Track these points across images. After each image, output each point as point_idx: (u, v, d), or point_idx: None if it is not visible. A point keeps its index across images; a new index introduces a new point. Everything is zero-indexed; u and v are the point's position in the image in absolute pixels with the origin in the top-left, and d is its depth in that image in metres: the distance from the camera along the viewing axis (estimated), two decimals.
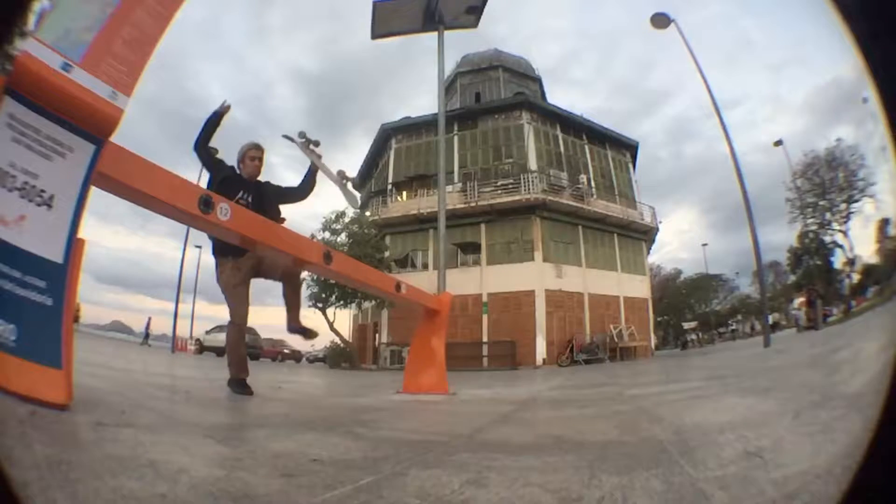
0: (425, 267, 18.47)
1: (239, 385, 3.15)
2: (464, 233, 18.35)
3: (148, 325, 19.16)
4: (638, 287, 19.91)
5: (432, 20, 6.74)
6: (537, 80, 24.64)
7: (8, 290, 1.33)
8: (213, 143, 3.12)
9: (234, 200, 2.76)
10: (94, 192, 1.62)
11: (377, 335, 18.93)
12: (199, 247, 21.94)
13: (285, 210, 3.37)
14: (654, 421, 1.93)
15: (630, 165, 22.29)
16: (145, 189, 1.84)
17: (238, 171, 3.27)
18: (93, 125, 1.53)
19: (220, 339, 17.45)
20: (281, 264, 3.19)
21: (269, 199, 3.24)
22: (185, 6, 1.83)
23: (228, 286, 3.13)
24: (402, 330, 15.50)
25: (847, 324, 8.91)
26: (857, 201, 12.93)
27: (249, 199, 3.11)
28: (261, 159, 3.29)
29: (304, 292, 15.87)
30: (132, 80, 1.61)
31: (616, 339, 17.09)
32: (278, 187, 3.42)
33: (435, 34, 6.77)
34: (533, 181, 18.06)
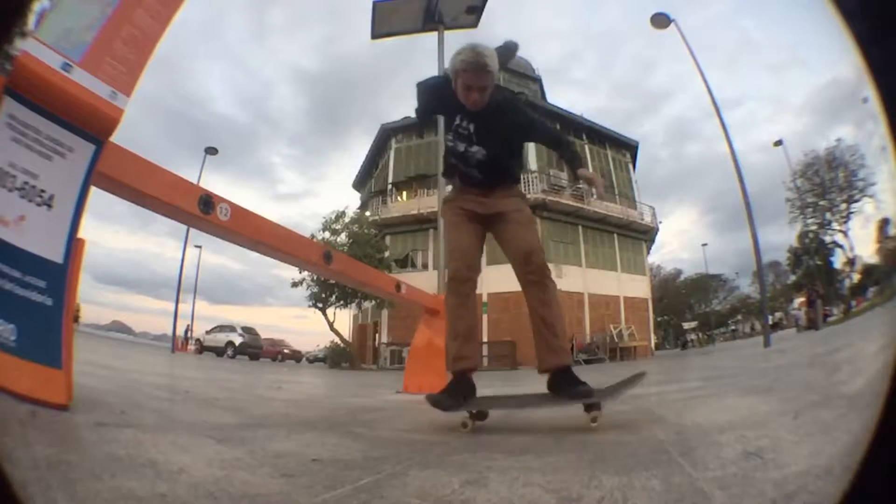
0: (425, 267, 18.46)
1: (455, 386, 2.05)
2: None
3: (186, 330, 18.93)
4: (638, 287, 19.91)
5: (432, 20, 6.73)
6: (537, 80, 24.61)
7: (8, 290, 1.33)
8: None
9: (454, 129, 2.14)
10: (94, 192, 1.62)
11: (377, 335, 18.93)
12: (199, 247, 22.02)
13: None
14: (654, 421, 1.93)
15: (630, 165, 22.29)
16: (145, 189, 1.84)
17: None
18: (93, 125, 1.54)
19: (220, 339, 17.46)
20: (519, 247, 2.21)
21: (506, 137, 2.16)
22: (185, 6, 1.84)
23: (446, 220, 2.26)
24: (402, 330, 15.49)
25: (847, 324, 8.91)
26: (857, 201, 12.93)
27: (471, 129, 2.13)
28: (481, 90, 2.01)
29: (304, 292, 15.83)
30: (132, 80, 1.61)
31: (616, 339, 17.07)
32: (532, 123, 2.24)
33: (435, 34, 6.76)
34: (533, 181, 18.05)
